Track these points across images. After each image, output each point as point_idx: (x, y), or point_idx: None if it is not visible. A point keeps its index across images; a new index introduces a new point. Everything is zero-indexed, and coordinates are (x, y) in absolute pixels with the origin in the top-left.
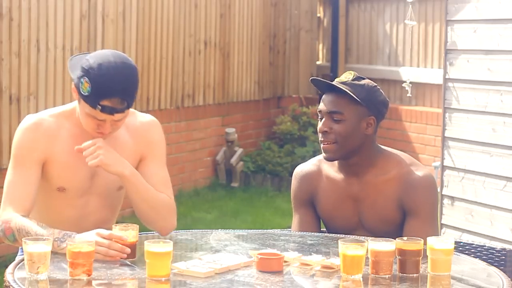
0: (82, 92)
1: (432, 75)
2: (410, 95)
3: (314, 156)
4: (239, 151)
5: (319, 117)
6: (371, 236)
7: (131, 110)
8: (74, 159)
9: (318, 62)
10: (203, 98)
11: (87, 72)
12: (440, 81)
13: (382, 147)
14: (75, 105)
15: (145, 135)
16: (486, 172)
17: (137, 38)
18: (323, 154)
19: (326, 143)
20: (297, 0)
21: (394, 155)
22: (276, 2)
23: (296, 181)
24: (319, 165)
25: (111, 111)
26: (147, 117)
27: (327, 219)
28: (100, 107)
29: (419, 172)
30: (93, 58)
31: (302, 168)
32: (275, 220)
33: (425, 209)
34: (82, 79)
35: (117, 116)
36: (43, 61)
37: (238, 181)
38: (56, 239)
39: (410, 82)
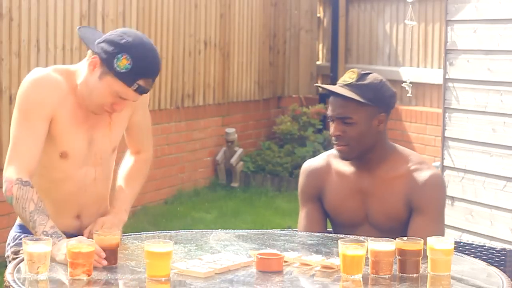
0: (118, 68)
1: (432, 75)
2: (411, 95)
3: (314, 156)
4: (239, 151)
5: (329, 120)
6: (376, 232)
7: None
8: (74, 123)
9: (318, 62)
10: (203, 98)
11: (128, 49)
12: (440, 81)
13: (393, 143)
14: (76, 68)
15: None
16: (486, 172)
17: None
18: (339, 154)
19: (340, 145)
20: (297, 0)
21: (405, 152)
22: (276, 2)
23: (304, 176)
24: (328, 160)
25: (142, 91)
26: None
27: (333, 212)
28: (136, 85)
29: (429, 171)
30: (130, 36)
31: (310, 164)
32: (275, 220)
33: (432, 207)
34: (119, 55)
35: (138, 99)
36: (43, 61)
37: (238, 181)
38: (44, 232)
39: (410, 82)
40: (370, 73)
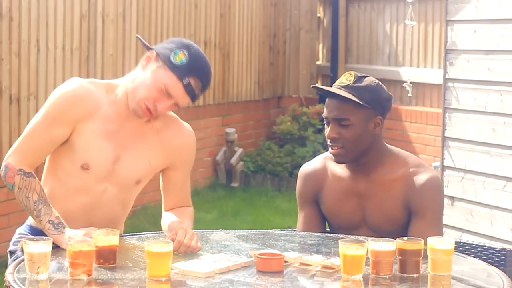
0: (174, 61)
1: (432, 75)
2: (411, 95)
3: (314, 156)
4: (239, 151)
5: (325, 122)
6: (374, 235)
7: (174, 115)
8: (101, 138)
9: (318, 62)
10: (203, 98)
11: (187, 48)
12: (440, 81)
13: (390, 146)
14: (119, 83)
15: (182, 145)
16: (486, 172)
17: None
18: (334, 158)
19: (335, 148)
20: (297, 0)
21: (402, 154)
22: (276, 2)
23: (301, 180)
24: (324, 163)
25: (191, 91)
26: (188, 126)
27: (331, 215)
28: (187, 81)
29: (427, 173)
30: (190, 41)
31: (307, 167)
32: (275, 220)
33: (431, 210)
34: (178, 50)
35: (183, 103)
36: (43, 61)
37: (238, 181)
38: (50, 222)
39: (410, 82)
40: (367, 76)
